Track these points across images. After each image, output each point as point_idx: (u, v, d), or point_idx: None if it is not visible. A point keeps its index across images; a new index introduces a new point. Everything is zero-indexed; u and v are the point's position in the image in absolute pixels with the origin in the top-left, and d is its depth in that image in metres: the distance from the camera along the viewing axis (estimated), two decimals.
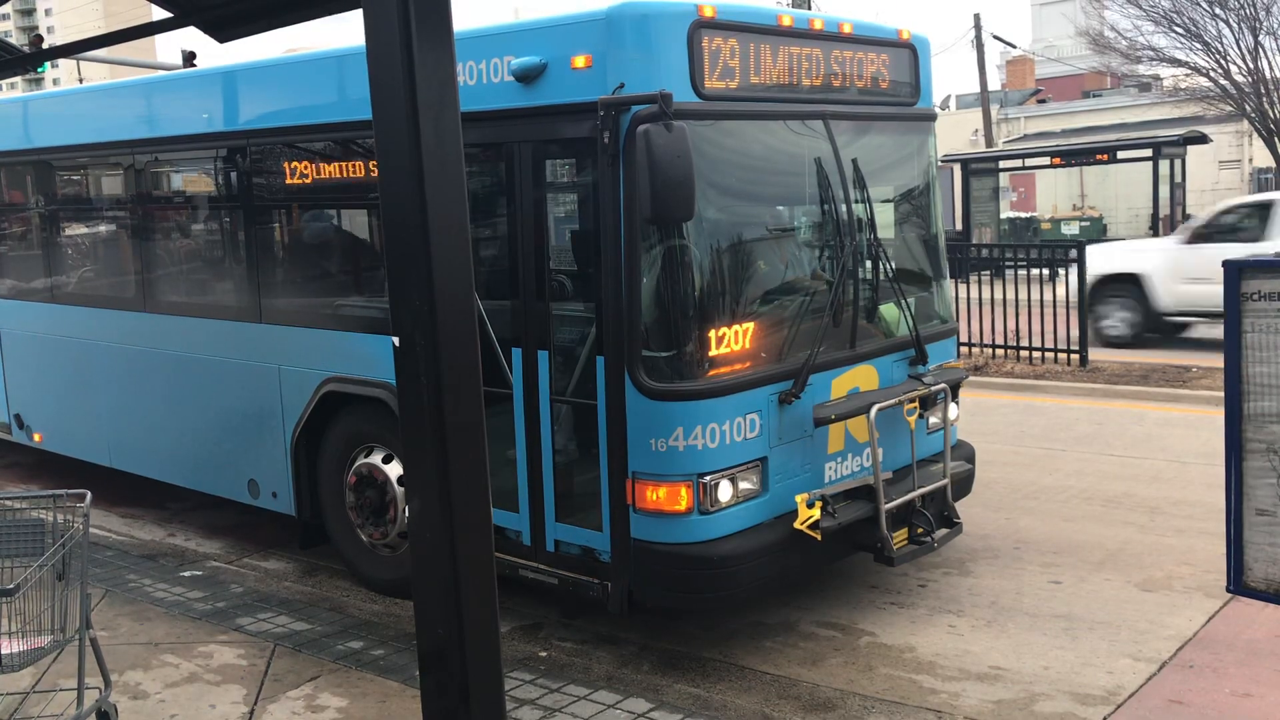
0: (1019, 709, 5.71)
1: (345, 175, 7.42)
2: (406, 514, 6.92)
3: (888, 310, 7.08)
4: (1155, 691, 5.84)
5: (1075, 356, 14.60)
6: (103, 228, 9.79)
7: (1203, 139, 26.55)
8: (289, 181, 7.77)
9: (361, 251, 7.76)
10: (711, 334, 6.02)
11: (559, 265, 6.54)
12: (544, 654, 6.49)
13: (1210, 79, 29.05)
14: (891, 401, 6.61)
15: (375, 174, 7.18)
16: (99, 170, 9.65)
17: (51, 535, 5.06)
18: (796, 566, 6.39)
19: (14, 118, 10.53)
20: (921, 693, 5.92)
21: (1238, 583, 3.26)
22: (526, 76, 6.13)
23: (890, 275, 6.98)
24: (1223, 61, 28.41)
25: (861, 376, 6.76)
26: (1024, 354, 14.91)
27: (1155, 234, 25.01)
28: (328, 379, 7.48)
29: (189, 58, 20.87)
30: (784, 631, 6.72)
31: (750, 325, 6.22)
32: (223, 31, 5.07)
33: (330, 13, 3.95)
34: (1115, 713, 5.63)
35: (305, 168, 7.63)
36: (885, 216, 7.15)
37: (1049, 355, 14.76)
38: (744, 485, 6.10)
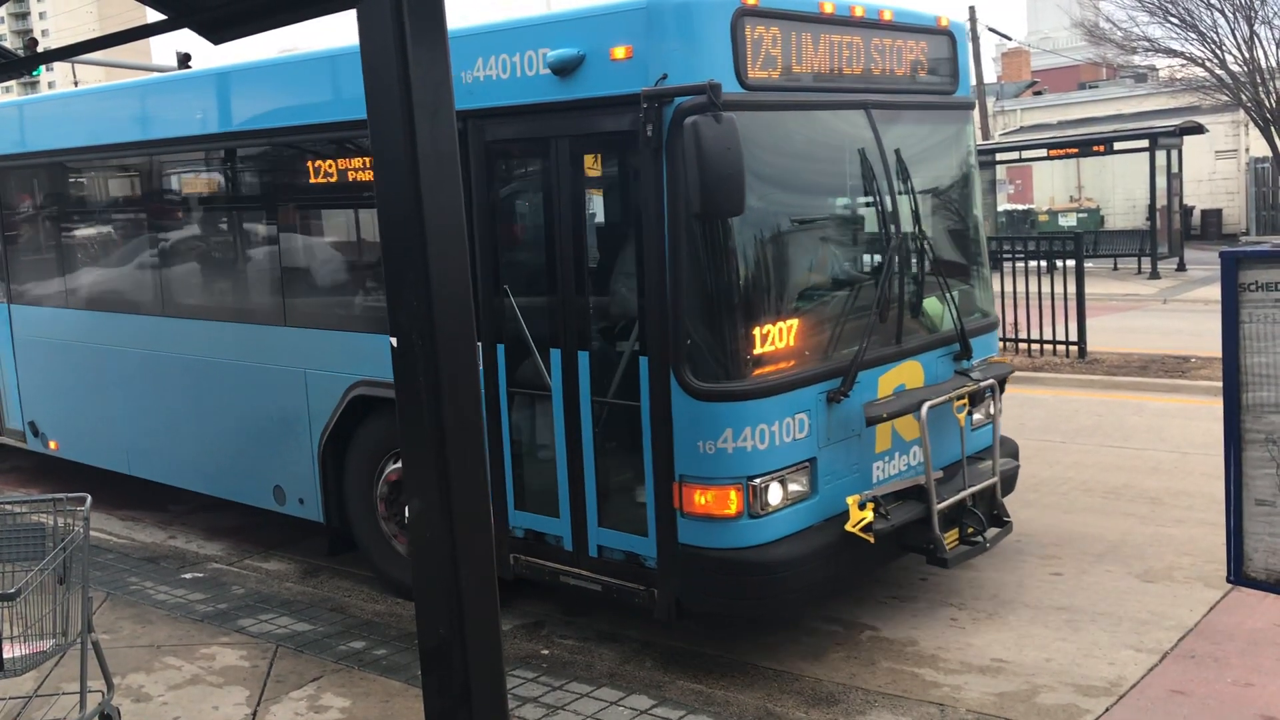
0: (1021, 701, 5.72)
1: (370, 175, 7.20)
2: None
3: (931, 304, 6.92)
4: (1157, 682, 5.85)
5: (1074, 348, 14.61)
6: (120, 231, 9.57)
7: (1199, 129, 26.54)
8: (314, 181, 7.60)
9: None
10: (759, 331, 5.86)
11: (599, 263, 6.37)
12: (546, 652, 6.50)
13: (1206, 69, 29.05)
14: (943, 399, 6.46)
15: None
16: (116, 172, 9.50)
17: (52, 539, 5.06)
18: (848, 570, 6.25)
19: (27, 120, 10.33)
20: (924, 686, 5.92)
21: (1238, 573, 3.26)
22: (563, 69, 5.97)
23: (935, 268, 6.83)
24: (1218, 51, 28.41)
25: (907, 373, 6.61)
26: (1023, 346, 14.91)
27: (1153, 225, 25.03)
28: (356, 382, 7.31)
29: (184, 59, 20.84)
30: (785, 626, 6.72)
31: (797, 322, 6.07)
32: (217, 33, 5.05)
33: (324, 14, 3.94)
34: (1117, 704, 5.64)
35: (330, 166, 7.45)
36: (928, 208, 6.98)
37: (1048, 347, 14.76)
38: (793, 487, 5.94)
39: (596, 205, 6.41)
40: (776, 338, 5.93)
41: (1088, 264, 16.28)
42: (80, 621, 5.05)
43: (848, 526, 5.99)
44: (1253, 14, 27.56)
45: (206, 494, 8.92)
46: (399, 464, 7.14)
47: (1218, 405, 3.56)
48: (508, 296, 6.47)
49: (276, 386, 7.90)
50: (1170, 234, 25.74)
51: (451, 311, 3.39)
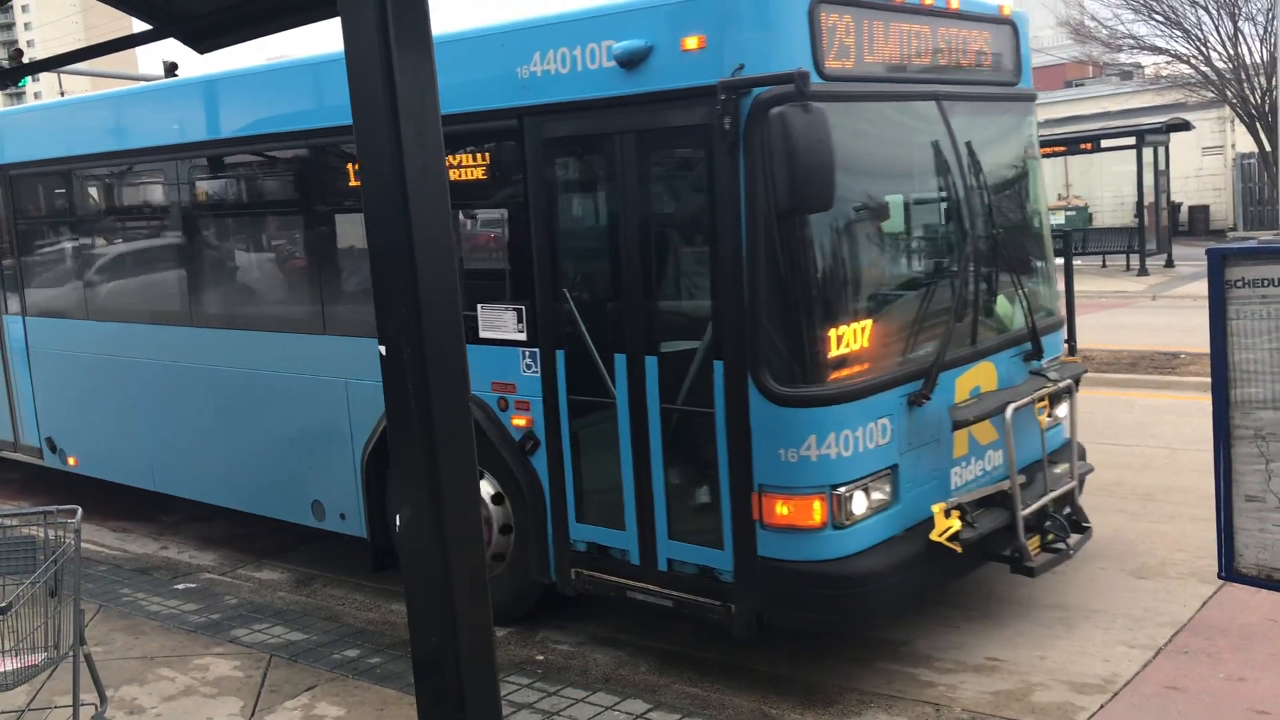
0: (1016, 699, 5.72)
1: None
2: (499, 533, 6.69)
3: (1002, 303, 6.73)
4: (1151, 678, 5.86)
5: (1065, 346, 14.60)
6: (145, 239, 9.25)
7: (1186, 126, 26.61)
8: (355, 184, 7.16)
9: None
10: (842, 332, 5.61)
11: (667, 263, 6.10)
12: (540, 657, 6.49)
13: (1191, 66, 29.17)
14: (1025, 400, 6.27)
15: (449, 168, 6.76)
16: (140, 178, 9.16)
17: (43, 552, 5.05)
18: (933, 582, 6.04)
19: (43, 125, 10.00)
20: (919, 686, 5.93)
21: (1229, 569, 3.27)
22: (630, 61, 5.71)
23: (1008, 265, 6.64)
24: (1203, 48, 28.53)
25: (982, 374, 6.40)
26: None
27: (1141, 222, 25.10)
28: None
29: (170, 68, 20.80)
30: (780, 628, 6.71)
31: (878, 322, 5.86)
32: (202, 42, 5.05)
33: (308, 22, 3.94)
34: (1112, 700, 5.65)
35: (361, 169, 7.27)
36: (999, 203, 6.76)
37: None
38: (876, 496, 5.70)
39: (664, 203, 6.14)
40: (858, 339, 5.69)
41: (1076, 261, 16.25)
42: (72, 634, 5.04)
43: (934, 535, 5.77)
44: (1236, 11, 27.69)
45: (239, 510, 8.64)
46: None
47: (1208, 401, 3.58)
48: (567, 301, 6.24)
49: (315, 397, 7.61)
50: (1158, 231, 25.80)
51: (440, 320, 3.38)
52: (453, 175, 6.51)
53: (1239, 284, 3.16)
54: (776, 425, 5.50)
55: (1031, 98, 7.32)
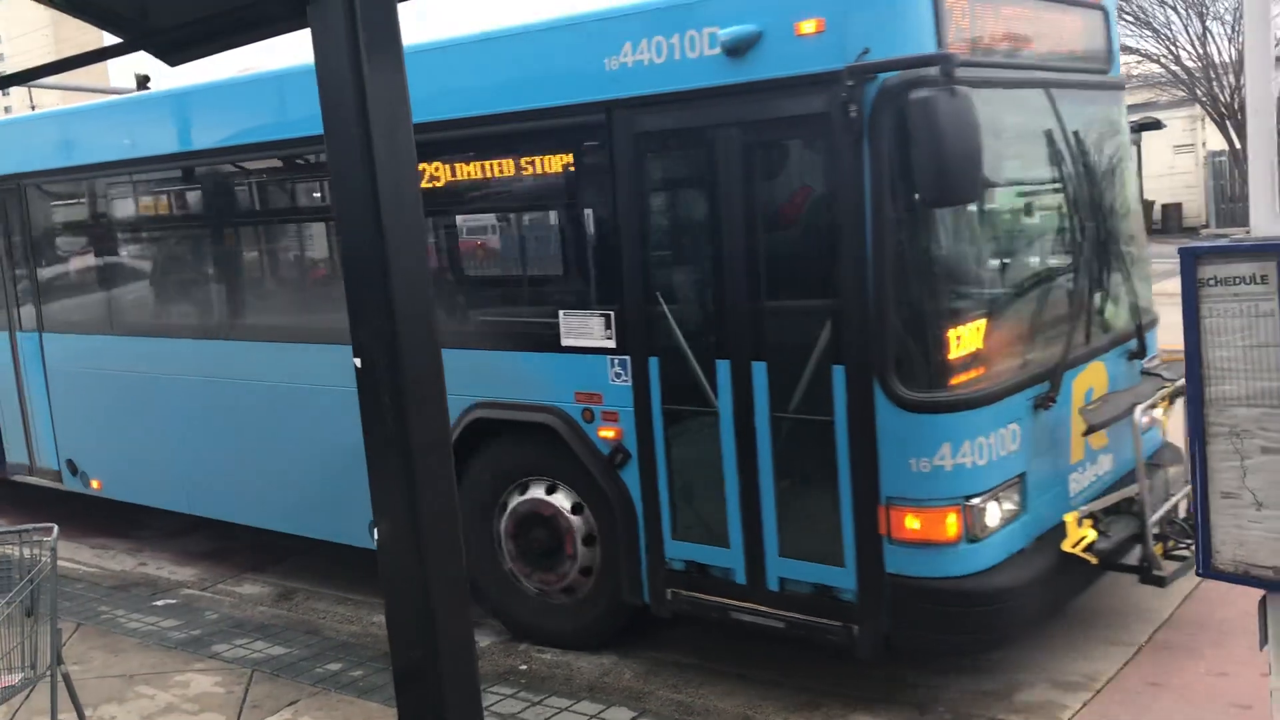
0: (1000, 699, 5.74)
1: (488, 175, 6.56)
2: (582, 544, 6.36)
3: (1110, 299, 6.48)
4: (1134, 674, 5.89)
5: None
6: (177, 249, 8.74)
7: (1157, 125, 26.66)
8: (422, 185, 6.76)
9: (514, 259, 6.79)
10: (975, 333, 5.33)
11: (776, 263, 5.69)
12: (524, 667, 6.47)
13: (1161, 64, 29.39)
14: (1151, 402, 6.04)
15: (520, 170, 6.40)
16: (170, 185, 8.68)
17: (19, 570, 5.00)
18: (1065, 596, 5.79)
19: (62, 132, 9.44)
20: (902, 688, 5.94)
21: (1206, 565, 3.29)
22: (737, 49, 5.38)
23: (1117, 260, 6.41)
24: (1172, 48, 28.78)
25: (1095, 375, 6.16)
26: None
27: None
28: (475, 404, 6.59)
29: (143, 81, 20.71)
30: (766, 635, 6.71)
31: (1007, 321, 5.66)
32: (172, 55, 5.00)
33: (277, 33, 3.91)
34: (1095, 698, 5.67)
35: (438, 170, 6.69)
36: (1105, 195, 6.45)
37: None
38: (1007, 506, 5.40)
39: (773, 196, 5.74)
40: (989, 339, 5.41)
41: None
42: (50, 653, 4.99)
43: (1066, 546, 5.54)
44: (1204, 10, 27.96)
45: (288, 533, 8.13)
46: (525, 495, 6.62)
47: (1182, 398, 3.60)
48: (661, 305, 5.91)
49: None
50: None
51: (415, 331, 3.36)
52: (526, 173, 6.39)
53: (1212, 282, 3.18)
54: (907, 433, 5.19)
55: (1121, 86, 7.05)
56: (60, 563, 5.22)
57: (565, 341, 6.25)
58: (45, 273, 9.61)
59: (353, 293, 3.45)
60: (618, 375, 6.09)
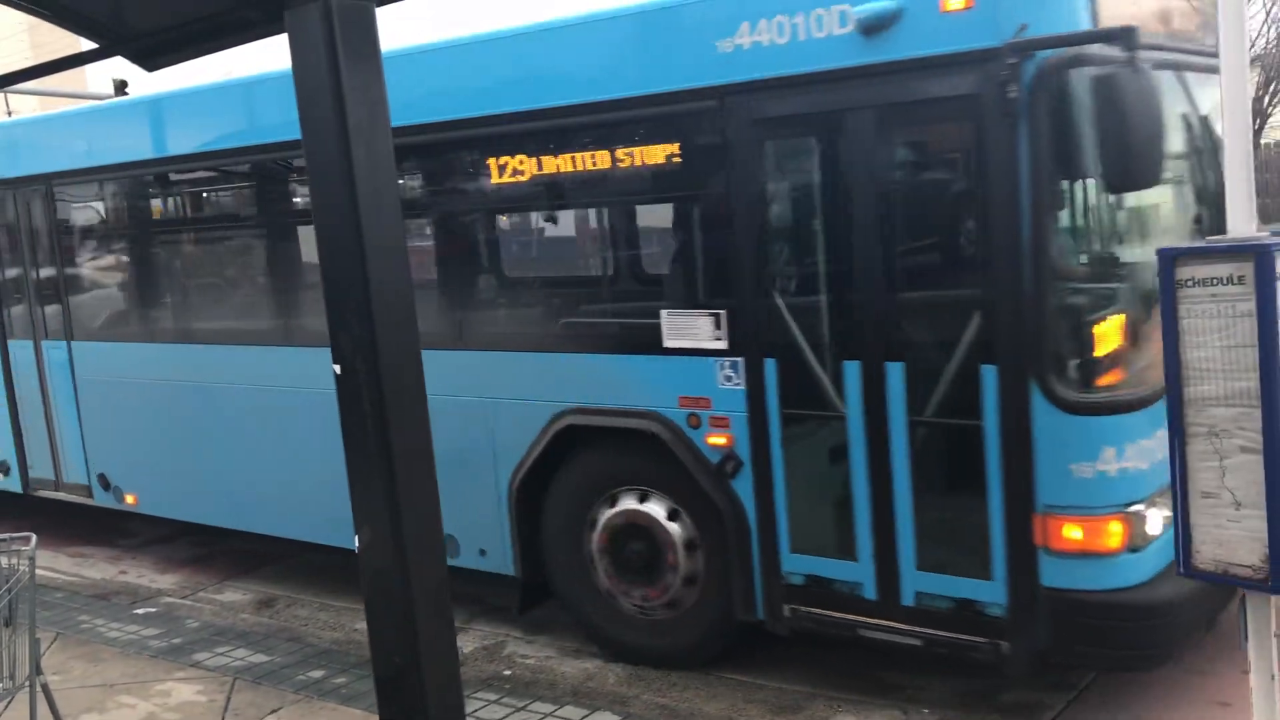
0: (983, 699, 5.75)
1: (580, 168, 6.11)
2: (684, 552, 5.99)
3: None
4: (1116, 674, 5.90)
5: None
6: (224, 251, 8.34)
7: None
8: (496, 181, 6.37)
9: (608, 256, 6.49)
10: (1139, 330, 5.03)
11: (915, 255, 5.36)
12: (508, 672, 6.45)
13: None
14: None
15: (617, 162, 5.99)
16: (217, 183, 8.30)
17: None
18: (1219, 607, 5.38)
19: (95, 129, 8.87)
20: (886, 689, 5.94)
21: (1187, 565, 3.30)
22: (874, 27, 5.05)
23: None
24: None
25: None
26: None
27: None
28: (565, 410, 6.23)
29: (120, 86, 20.58)
30: (745, 636, 6.72)
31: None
32: (150, 60, 4.99)
33: (255, 39, 3.90)
34: (1078, 698, 5.69)
35: (521, 163, 6.27)
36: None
37: None
38: (1165, 513, 4.99)
39: (910, 184, 5.40)
40: (1147, 335, 5.06)
41: None
42: (29, 663, 4.95)
43: None
44: None
45: (348, 549, 7.65)
46: (617, 506, 6.25)
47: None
48: (780, 302, 5.57)
49: (450, 421, 6.41)
50: None
51: (395, 336, 3.36)
52: (623, 165, 5.96)
53: (1189, 283, 3.19)
54: (1068, 437, 4.87)
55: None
56: (39, 571, 5.17)
57: (668, 343, 5.91)
58: (75, 280, 9.10)
59: (331, 299, 3.44)
60: (728, 378, 5.74)
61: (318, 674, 6.43)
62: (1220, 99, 3.14)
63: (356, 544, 3.53)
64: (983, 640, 5.20)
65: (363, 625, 7.07)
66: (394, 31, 5.61)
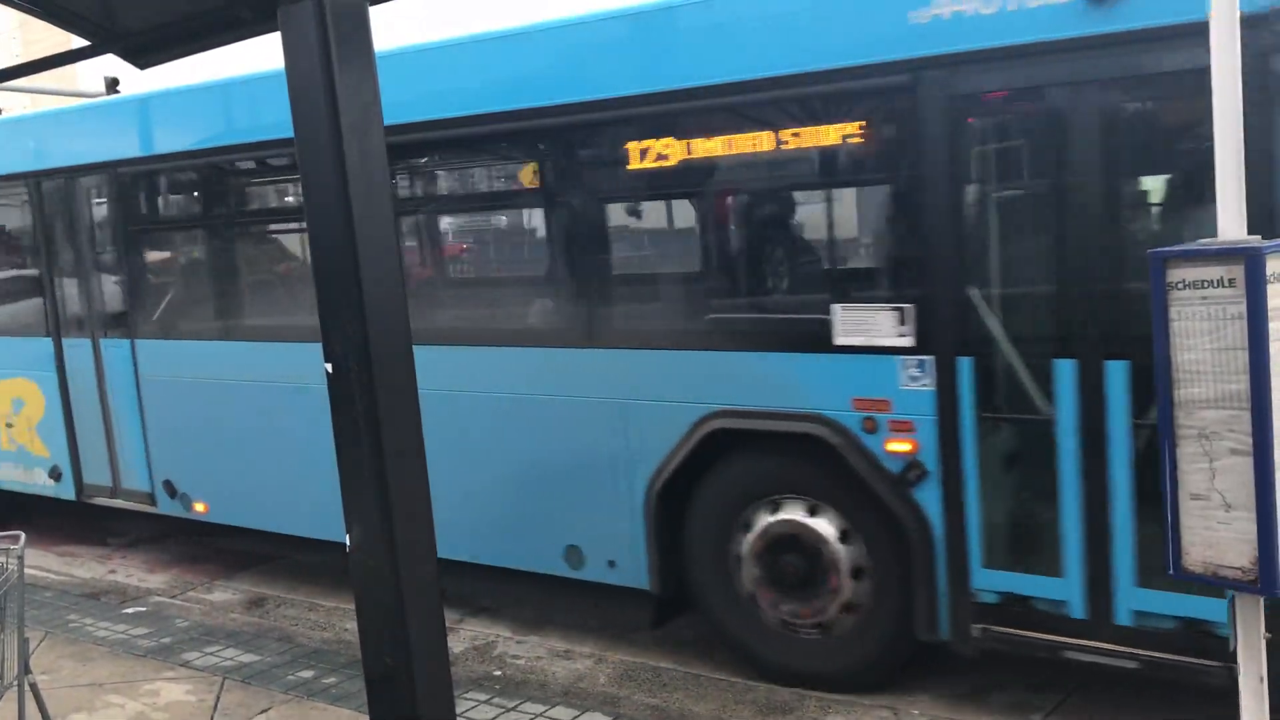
0: (973, 700, 5.76)
1: (740, 150, 5.71)
2: (849, 578, 5.59)
3: None
4: (1105, 672, 5.91)
5: None
6: (307, 240, 7.76)
7: None
8: (634, 166, 5.97)
9: (769, 246, 6.01)
10: None
11: (1148, 244, 4.77)
12: (498, 673, 6.45)
13: None
14: None
15: (781, 143, 5.52)
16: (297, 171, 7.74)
17: None
18: None
19: (170, 115, 8.27)
20: (876, 690, 5.94)
21: (1177, 567, 3.31)
22: None
23: None
24: None
25: None
26: None
27: None
28: (712, 413, 5.85)
29: (112, 84, 20.52)
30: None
31: None
32: (142, 58, 4.98)
33: (246, 37, 3.90)
34: (1068, 698, 5.70)
35: (668, 147, 5.86)
36: None
37: None
38: None
39: (1142, 165, 5.01)
40: None
41: None
42: (17, 663, 4.93)
43: None
44: None
45: (455, 559, 6.76)
46: (781, 515, 5.84)
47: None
48: (978, 296, 5.19)
49: (577, 423, 6.32)
50: None
51: (388, 337, 3.35)
52: (788, 146, 5.55)
53: (1180, 285, 3.20)
54: None
55: None
56: (28, 571, 5.16)
57: (839, 340, 5.48)
58: (141, 274, 8.57)
59: (323, 297, 3.44)
60: (914, 378, 5.32)
61: (308, 674, 6.42)
62: (1218, 98, 3.14)
63: (348, 543, 3.53)
64: (1214, 664, 4.80)
65: (353, 625, 7.06)
66: (393, 31, 5.57)
